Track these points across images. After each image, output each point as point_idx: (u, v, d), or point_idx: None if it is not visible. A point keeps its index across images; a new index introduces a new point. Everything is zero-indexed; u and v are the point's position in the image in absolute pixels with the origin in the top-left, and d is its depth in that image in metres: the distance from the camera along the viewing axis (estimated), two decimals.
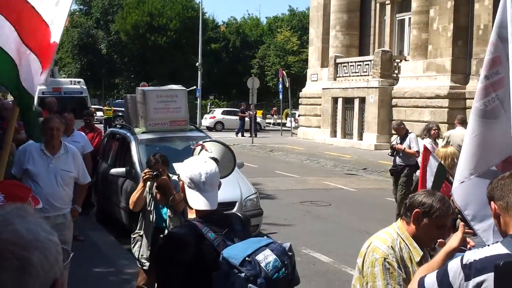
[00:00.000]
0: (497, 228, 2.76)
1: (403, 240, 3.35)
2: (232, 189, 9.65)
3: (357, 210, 13.34)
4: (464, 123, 13.02)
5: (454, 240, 2.98)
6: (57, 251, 1.42)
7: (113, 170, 10.12)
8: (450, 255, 2.91)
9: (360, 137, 28.52)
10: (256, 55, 58.66)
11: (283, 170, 20.03)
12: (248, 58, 59.78)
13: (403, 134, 12.14)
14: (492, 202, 2.73)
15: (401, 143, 11.96)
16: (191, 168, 3.27)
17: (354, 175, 19.36)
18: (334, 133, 30.75)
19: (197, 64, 42.99)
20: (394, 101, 27.38)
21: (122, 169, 9.93)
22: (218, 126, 43.64)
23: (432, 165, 5.41)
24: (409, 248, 3.34)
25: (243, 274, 2.90)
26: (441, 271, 2.63)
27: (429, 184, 5.28)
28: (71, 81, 23.82)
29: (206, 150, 4.62)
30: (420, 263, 3.26)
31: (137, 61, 56.84)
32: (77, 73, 55.68)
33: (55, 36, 4.17)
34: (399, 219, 3.50)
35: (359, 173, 19.61)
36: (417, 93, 26.00)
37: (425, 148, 5.98)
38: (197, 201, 3.21)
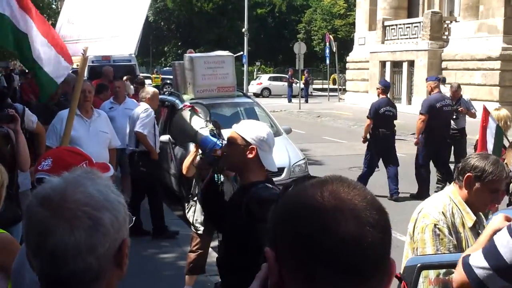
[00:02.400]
0: None
1: (456, 205, 3.30)
2: (280, 155, 9.67)
3: (406, 175, 13.19)
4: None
5: (496, 222, 2.64)
6: (125, 212, 1.48)
7: (162, 137, 10.25)
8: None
9: (409, 101, 28.14)
10: (302, 20, 58.04)
11: (331, 136, 19.96)
12: (294, 23, 59.17)
13: (459, 97, 12.09)
14: None
15: (457, 105, 11.82)
16: (262, 131, 3.37)
17: (402, 140, 19.08)
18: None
19: (243, 30, 42.80)
20: (444, 64, 26.84)
21: (167, 137, 9.99)
22: (265, 92, 43.58)
23: (491, 126, 5.35)
24: (462, 213, 3.29)
25: None
26: (487, 246, 2.40)
27: (490, 145, 5.22)
28: None
29: (197, 112, 4.55)
30: (473, 229, 3.23)
31: (184, 28, 56.95)
32: None
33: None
34: (452, 183, 3.46)
35: (408, 138, 19.35)
36: (468, 55, 25.42)
37: (485, 108, 5.87)
38: (271, 163, 3.37)
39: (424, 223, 3.28)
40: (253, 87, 43.68)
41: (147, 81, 41.36)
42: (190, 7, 54.16)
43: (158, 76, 41.05)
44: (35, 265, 1.45)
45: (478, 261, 2.34)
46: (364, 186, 1.22)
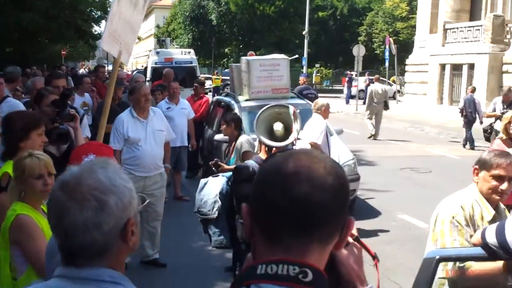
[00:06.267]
0: None
1: (476, 201, 3.58)
2: (330, 155, 10.01)
3: (458, 178, 13.18)
4: (379, 79, 21.64)
5: None
6: (131, 195, 1.74)
7: (217, 136, 10.70)
8: None
9: None
10: (364, 22, 57.83)
11: (385, 137, 20.07)
12: (356, 26, 58.98)
13: (510, 100, 12.17)
14: None
15: (508, 108, 11.88)
16: None
17: (458, 143, 19.06)
18: (440, 100, 30.16)
19: (303, 32, 43.02)
20: (505, 67, 26.45)
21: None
22: (361, 95, 41.29)
23: None
24: (481, 208, 3.55)
25: None
26: (499, 225, 2.87)
27: None
28: (181, 51, 24.88)
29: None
30: (492, 222, 3.42)
31: (246, 31, 57.58)
32: (189, 44, 57.20)
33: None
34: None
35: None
36: None
37: None
38: None
39: (443, 216, 3.58)
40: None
41: (208, 82, 42.30)
42: (252, 11, 54.74)
43: (218, 77, 41.80)
44: (56, 240, 1.72)
45: (491, 234, 2.86)
46: (330, 158, 1.43)
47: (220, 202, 6.11)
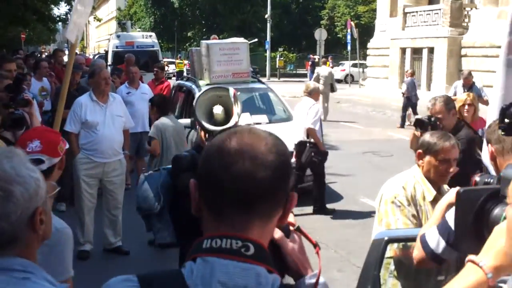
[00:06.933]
0: (493, 169, 2.99)
1: (418, 182, 3.65)
2: (289, 139, 10.00)
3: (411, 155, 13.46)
4: (325, 63, 22.30)
5: (448, 197, 2.98)
6: (37, 185, 1.75)
7: (180, 121, 10.66)
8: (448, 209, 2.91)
9: (428, 87, 28.21)
10: (325, 6, 57.94)
11: (348, 121, 20.26)
12: (318, 9, 59.08)
13: (471, 84, 12.41)
14: (489, 145, 2.94)
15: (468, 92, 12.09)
16: None
17: None
18: (401, 84, 30.47)
19: (266, 16, 42.95)
20: (463, 51, 26.85)
21: (187, 120, 10.43)
22: (348, 79, 40.99)
23: None
24: (423, 188, 3.63)
25: None
26: (440, 223, 2.78)
27: None
28: (143, 35, 24.68)
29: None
30: (433, 202, 3.48)
31: (208, 14, 57.21)
32: (151, 27, 56.55)
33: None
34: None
35: None
36: (488, 43, 25.39)
37: None
38: None
39: (386, 197, 3.66)
40: (337, 73, 41.02)
41: (171, 66, 41.93)
42: None
43: (181, 61, 41.53)
44: None
45: (434, 237, 2.76)
46: (273, 136, 1.46)
47: (162, 196, 5.99)
